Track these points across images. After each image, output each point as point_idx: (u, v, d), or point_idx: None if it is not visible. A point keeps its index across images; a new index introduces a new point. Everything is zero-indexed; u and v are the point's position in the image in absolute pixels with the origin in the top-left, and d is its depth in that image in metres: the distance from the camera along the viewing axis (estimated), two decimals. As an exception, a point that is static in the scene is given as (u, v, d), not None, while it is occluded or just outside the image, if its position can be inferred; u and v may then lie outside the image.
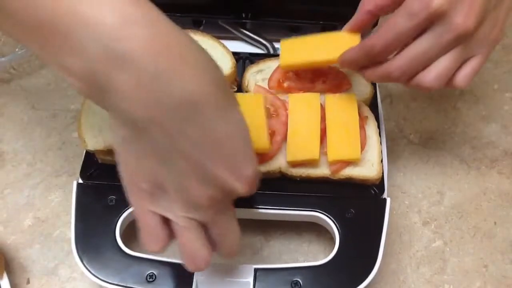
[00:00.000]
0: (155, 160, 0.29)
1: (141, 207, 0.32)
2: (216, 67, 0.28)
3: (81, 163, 0.44)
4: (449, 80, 0.38)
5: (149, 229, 0.32)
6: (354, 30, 0.41)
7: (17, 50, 0.55)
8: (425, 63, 0.37)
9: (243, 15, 0.51)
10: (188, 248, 0.32)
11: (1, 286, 0.41)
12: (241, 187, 0.30)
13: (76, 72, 0.27)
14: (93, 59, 0.26)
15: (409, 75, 0.37)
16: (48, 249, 0.46)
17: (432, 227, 0.47)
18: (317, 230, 0.46)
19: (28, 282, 0.43)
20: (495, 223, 0.48)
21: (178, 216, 0.31)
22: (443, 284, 0.44)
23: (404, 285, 0.44)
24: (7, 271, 0.42)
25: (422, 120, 0.53)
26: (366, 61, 0.39)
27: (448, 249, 0.46)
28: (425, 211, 0.48)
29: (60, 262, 0.45)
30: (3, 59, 0.55)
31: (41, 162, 0.50)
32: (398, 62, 0.37)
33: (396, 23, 0.36)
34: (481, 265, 0.45)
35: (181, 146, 0.28)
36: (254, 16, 0.52)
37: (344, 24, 0.51)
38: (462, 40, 0.36)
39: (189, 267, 0.33)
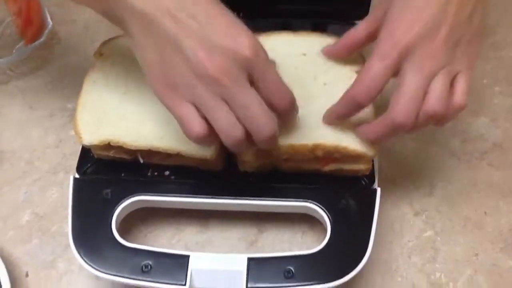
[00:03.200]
0: (168, 48, 0.34)
1: (171, 102, 0.35)
2: None
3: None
4: (449, 101, 0.38)
5: (187, 116, 0.35)
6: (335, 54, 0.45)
7: (14, 51, 0.56)
8: (421, 98, 0.37)
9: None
10: (225, 125, 0.35)
11: (1, 280, 0.42)
12: (242, 50, 0.34)
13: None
14: None
15: (414, 116, 0.37)
16: (46, 244, 0.46)
17: (423, 217, 0.48)
18: (310, 221, 0.46)
19: (27, 275, 0.44)
20: (485, 213, 0.49)
21: (202, 98, 0.34)
22: (434, 272, 0.45)
23: (396, 274, 0.45)
24: (6, 265, 0.43)
25: (412, 114, 0.54)
26: (353, 111, 0.40)
27: (439, 238, 0.47)
28: (416, 202, 0.49)
29: (58, 256, 0.46)
30: (0, 60, 0.56)
31: (38, 160, 0.51)
32: (399, 107, 0.37)
33: (371, 67, 0.38)
34: (472, 254, 0.46)
35: (188, 27, 0.34)
36: (246, 15, 0.53)
37: (334, 23, 0.53)
38: (442, 63, 0.37)
39: (232, 146, 0.36)
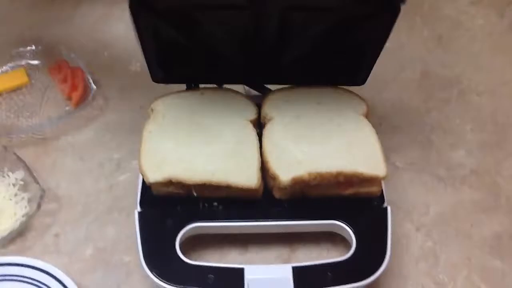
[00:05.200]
0: None
1: None
2: None
3: (137, 197, 0.54)
4: None
5: None
6: None
7: (64, 113, 0.65)
8: None
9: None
10: None
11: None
12: None
13: None
14: None
15: None
16: (110, 273, 0.54)
17: (423, 231, 0.58)
18: (332, 239, 0.56)
19: (97, 300, 0.51)
20: (471, 225, 0.59)
21: None
22: (438, 275, 0.55)
23: (408, 278, 0.54)
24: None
25: (404, 150, 0.66)
26: None
27: (438, 247, 0.57)
28: (416, 220, 0.59)
29: (122, 283, 0.53)
30: (51, 120, 0.65)
31: (94, 203, 0.59)
32: None
33: None
34: (465, 258, 0.56)
35: None
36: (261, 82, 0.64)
37: (345, 85, 0.62)
38: None
39: None
